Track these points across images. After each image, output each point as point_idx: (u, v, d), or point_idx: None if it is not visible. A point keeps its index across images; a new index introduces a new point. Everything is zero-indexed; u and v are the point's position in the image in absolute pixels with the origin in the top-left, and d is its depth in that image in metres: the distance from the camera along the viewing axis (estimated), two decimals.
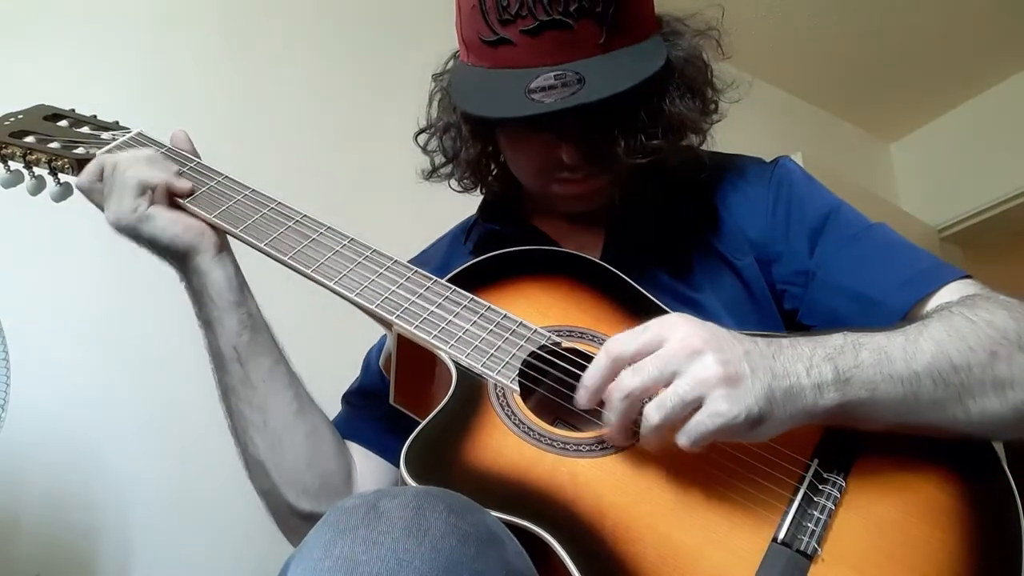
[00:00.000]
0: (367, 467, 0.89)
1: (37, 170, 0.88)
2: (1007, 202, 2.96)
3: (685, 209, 0.90)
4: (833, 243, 0.83)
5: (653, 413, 0.61)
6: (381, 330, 0.89)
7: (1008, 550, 0.60)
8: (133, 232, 0.79)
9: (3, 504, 1.29)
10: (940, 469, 0.66)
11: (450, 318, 0.74)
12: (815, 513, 0.62)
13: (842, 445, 0.67)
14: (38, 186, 0.89)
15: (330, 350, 1.03)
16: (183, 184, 0.82)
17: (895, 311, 0.76)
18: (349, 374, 1.01)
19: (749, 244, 0.86)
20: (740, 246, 0.86)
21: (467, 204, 1.04)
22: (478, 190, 0.99)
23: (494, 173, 0.97)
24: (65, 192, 0.89)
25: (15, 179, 0.88)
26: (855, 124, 3.23)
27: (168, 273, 1.57)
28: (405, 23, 2.06)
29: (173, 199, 0.81)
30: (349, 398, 0.97)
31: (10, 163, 0.89)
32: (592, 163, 0.83)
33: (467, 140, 0.89)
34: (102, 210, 0.81)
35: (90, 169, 0.82)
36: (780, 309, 0.84)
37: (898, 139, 3.35)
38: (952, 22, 2.72)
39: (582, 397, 0.66)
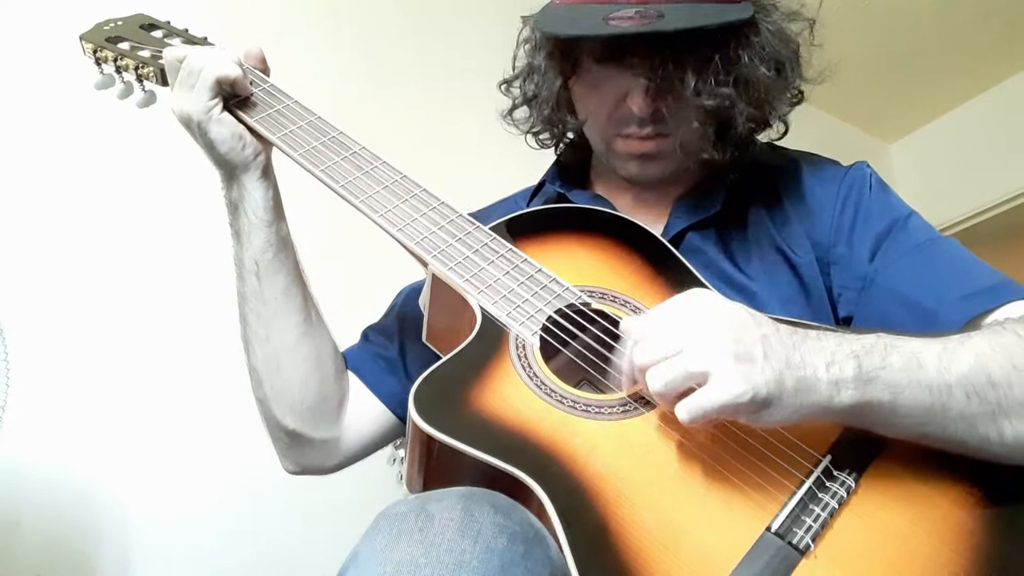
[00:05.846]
0: (360, 401, 0.90)
1: (126, 76, 0.92)
2: (1007, 202, 2.96)
3: (749, 192, 0.88)
4: (896, 250, 0.80)
5: (655, 379, 0.59)
6: (418, 274, 0.89)
7: None
8: (199, 129, 0.81)
9: (3, 504, 1.29)
10: (963, 485, 0.62)
11: (484, 265, 0.75)
12: (816, 509, 0.59)
13: (861, 445, 0.64)
14: (126, 91, 0.92)
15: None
16: (247, 87, 0.84)
17: (950, 323, 0.71)
18: (377, 310, 1.02)
19: (811, 243, 0.84)
20: (801, 242, 0.84)
21: (531, 172, 1.03)
22: (553, 149, 0.99)
23: (568, 137, 0.97)
24: (149, 100, 0.92)
25: (108, 82, 0.93)
26: (855, 124, 3.23)
27: (167, 274, 1.56)
28: None
29: (233, 108, 0.83)
30: (367, 332, 0.98)
31: (103, 67, 0.93)
32: (658, 121, 0.83)
33: (547, 74, 0.89)
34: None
35: (176, 52, 0.84)
36: (835, 315, 0.82)
37: (898, 139, 3.35)
38: (952, 22, 2.72)
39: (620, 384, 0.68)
